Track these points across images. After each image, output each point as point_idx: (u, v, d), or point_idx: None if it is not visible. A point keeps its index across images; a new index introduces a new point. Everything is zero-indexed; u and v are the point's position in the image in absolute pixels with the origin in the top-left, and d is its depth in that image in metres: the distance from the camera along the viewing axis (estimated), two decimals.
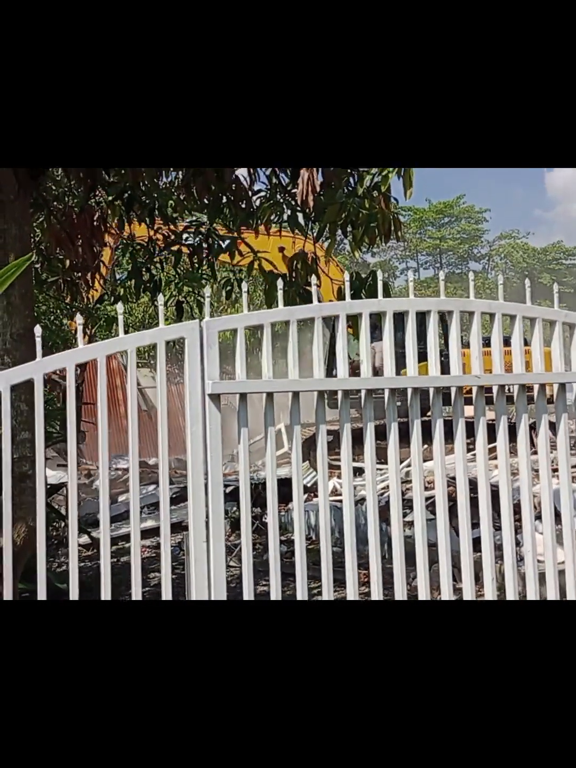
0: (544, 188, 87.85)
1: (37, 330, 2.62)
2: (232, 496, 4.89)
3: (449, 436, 3.16)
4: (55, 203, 6.79)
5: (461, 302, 3.18)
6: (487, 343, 3.24)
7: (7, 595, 2.60)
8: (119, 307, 2.72)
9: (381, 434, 3.07)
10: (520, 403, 3.26)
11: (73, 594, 2.67)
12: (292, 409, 2.97)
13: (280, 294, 3.02)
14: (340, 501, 3.28)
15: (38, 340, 2.58)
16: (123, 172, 6.22)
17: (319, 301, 3.11)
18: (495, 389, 3.23)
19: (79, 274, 6.69)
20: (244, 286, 3.02)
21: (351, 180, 5.70)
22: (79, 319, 2.66)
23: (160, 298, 2.79)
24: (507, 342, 3.20)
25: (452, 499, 3.25)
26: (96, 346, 2.70)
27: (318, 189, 4.71)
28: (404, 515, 3.25)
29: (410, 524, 3.53)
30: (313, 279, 3.24)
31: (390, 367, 3.12)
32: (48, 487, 4.86)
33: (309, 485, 8.59)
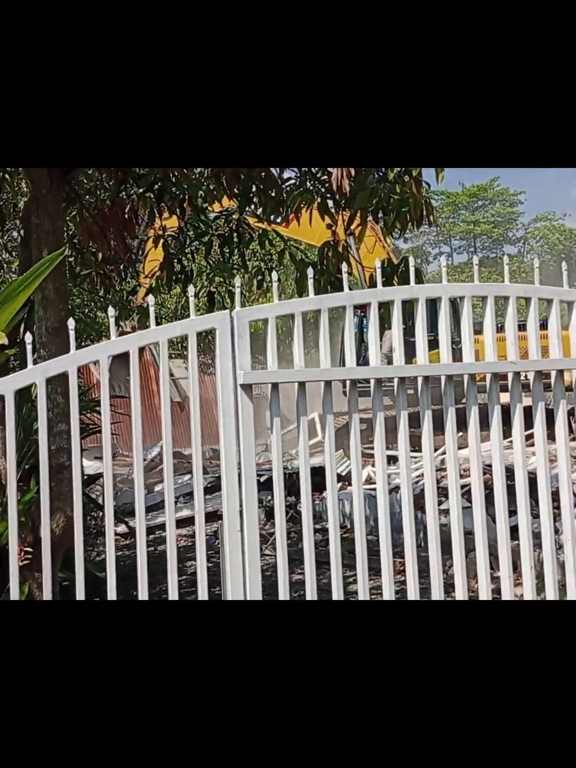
0: None
1: (71, 323, 2.65)
2: (265, 486, 4.91)
3: (483, 423, 3.12)
4: (86, 197, 6.86)
5: (496, 287, 3.13)
6: (521, 327, 3.18)
7: (47, 585, 2.65)
8: (150, 298, 2.73)
9: (414, 422, 3.04)
10: (557, 389, 3.20)
11: (111, 583, 2.71)
12: (325, 398, 2.96)
13: (311, 283, 2.99)
14: (374, 489, 3.26)
15: (72, 333, 2.60)
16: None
17: (350, 289, 3.08)
18: (532, 375, 3.17)
19: (112, 266, 6.75)
20: (275, 276, 3.01)
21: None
22: (111, 311, 2.68)
23: (191, 289, 2.79)
24: (543, 326, 3.14)
25: (488, 487, 3.21)
26: (128, 337, 2.71)
27: (352, 174, 4.66)
28: (439, 503, 3.21)
29: (445, 512, 3.50)
30: (344, 267, 3.21)
31: (423, 355, 3.08)
32: (85, 477, 4.94)
33: (343, 474, 8.57)
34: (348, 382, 3.00)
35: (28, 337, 2.63)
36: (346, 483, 7.90)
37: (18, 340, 3.99)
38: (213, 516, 6.47)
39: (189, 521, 6.31)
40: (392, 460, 5.64)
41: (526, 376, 3.21)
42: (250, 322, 2.86)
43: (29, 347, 2.62)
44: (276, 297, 2.92)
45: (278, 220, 6.75)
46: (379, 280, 3.08)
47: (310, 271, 3.05)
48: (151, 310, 2.74)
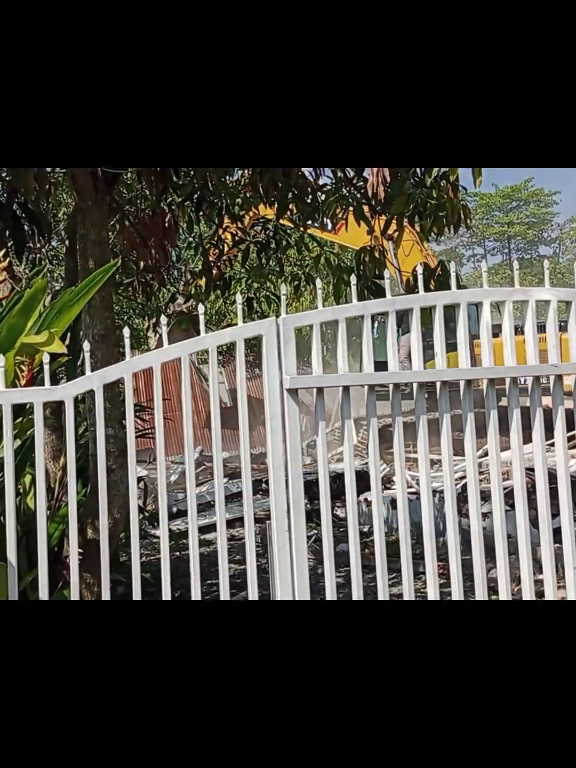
0: None
1: (126, 332, 2.75)
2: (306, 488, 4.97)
3: (525, 426, 3.15)
4: (127, 207, 7.02)
5: (537, 291, 3.16)
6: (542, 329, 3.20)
7: (105, 583, 2.75)
8: (201, 307, 2.83)
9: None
10: None
11: (166, 584, 2.81)
12: (368, 401, 3.03)
13: (353, 289, 3.07)
14: (413, 493, 3.28)
15: (127, 342, 2.71)
16: (192, 173, 6.38)
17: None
18: (573, 379, 3.20)
19: (152, 274, 6.90)
20: (319, 283, 3.08)
21: (418, 170, 5.69)
22: (164, 319, 2.78)
23: (239, 297, 2.88)
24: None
25: (530, 490, 3.23)
26: (179, 345, 2.81)
27: (388, 180, 4.72)
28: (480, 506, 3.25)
29: (486, 515, 3.53)
30: (386, 273, 3.27)
31: (465, 359, 3.13)
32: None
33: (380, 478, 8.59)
34: (391, 386, 3.06)
35: (86, 345, 2.74)
36: (385, 486, 7.93)
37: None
38: (234, 522, 6.54)
39: (227, 524, 6.37)
40: (432, 463, 5.66)
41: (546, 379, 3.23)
42: (294, 327, 2.94)
43: (87, 355, 2.73)
44: (320, 303, 3.00)
45: (317, 225, 6.82)
46: (421, 285, 3.13)
47: (353, 278, 3.12)
48: (202, 318, 2.84)
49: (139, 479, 6.86)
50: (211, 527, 6.42)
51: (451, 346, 3.11)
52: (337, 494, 3.87)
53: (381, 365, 3.03)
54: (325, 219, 6.75)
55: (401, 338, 9.07)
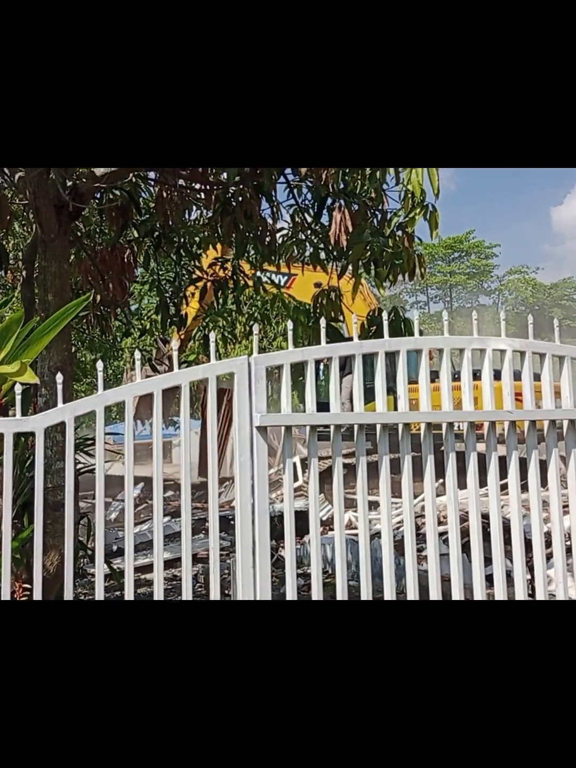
0: (550, 224, 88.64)
1: (99, 365, 2.78)
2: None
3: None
4: (86, 241, 7.04)
5: (494, 341, 3.33)
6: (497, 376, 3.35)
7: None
8: (174, 343, 2.88)
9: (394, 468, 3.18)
10: (549, 438, 3.39)
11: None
12: (334, 441, 3.11)
13: (322, 332, 3.17)
14: (355, 534, 3.32)
15: (100, 375, 2.73)
16: (153, 211, 6.47)
17: (349, 338, 3.24)
18: (526, 424, 3.36)
19: (109, 309, 6.90)
20: (290, 324, 3.17)
21: (374, 221, 5.92)
22: (138, 354, 2.82)
23: (212, 335, 2.94)
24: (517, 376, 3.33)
25: (466, 534, 3.34)
26: (153, 380, 2.85)
27: (350, 229, 4.91)
28: (420, 550, 3.33)
29: (425, 558, 3.61)
30: (352, 317, 3.40)
31: (426, 403, 3.26)
32: (78, 516, 4.98)
33: (324, 518, 8.65)
34: (332, 428, 3.13)
35: (59, 377, 2.74)
36: (328, 527, 8.00)
37: None
38: (195, 558, 6.47)
39: (172, 563, 6.28)
40: (372, 505, 5.74)
41: (460, 427, 3.36)
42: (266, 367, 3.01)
43: (60, 387, 2.74)
44: (291, 344, 3.09)
45: (274, 268, 6.98)
46: (386, 331, 3.25)
47: (322, 322, 3.22)
48: (175, 354, 2.89)
49: (83, 515, 6.73)
50: (149, 567, 6.35)
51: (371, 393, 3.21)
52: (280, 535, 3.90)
53: (323, 406, 3.14)
54: (280, 261, 6.92)
55: (343, 380, 9.27)
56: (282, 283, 8.98)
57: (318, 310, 6.33)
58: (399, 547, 3.46)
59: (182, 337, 7.35)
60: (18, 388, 2.67)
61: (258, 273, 7.47)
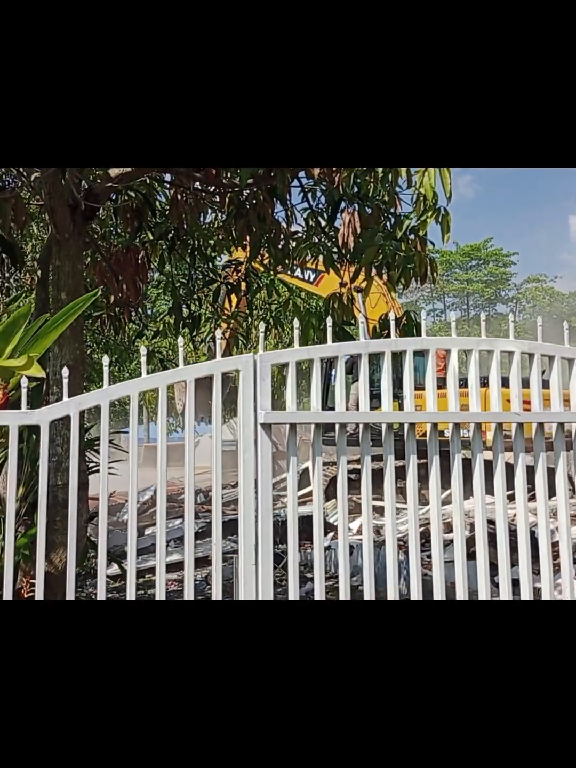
0: (569, 233, 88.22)
1: (105, 360, 2.79)
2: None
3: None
4: (101, 242, 7.10)
5: (502, 342, 3.31)
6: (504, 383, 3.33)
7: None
8: (180, 340, 2.89)
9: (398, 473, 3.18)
10: (557, 442, 3.35)
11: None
12: (339, 440, 3.10)
13: (329, 331, 3.17)
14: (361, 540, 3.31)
15: (106, 370, 2.74)
16: (167, 213, 6.51)
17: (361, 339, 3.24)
18: (534, 427, 3.33)
19: (122, 309, 6.95)
20: (296, 323, 3.17)
21: (388, 224, 5.91)
22: (143, 350, 2.83)
23: (219, 332, 2.95)
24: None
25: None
26: (158, 375, 2.86)
27: (358, 231, 4.91)
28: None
29: (429, 565, 3.57)
30: (360, 317, 3.39)
31: (432, 403, 3.24)
32: (88, 515, 5.00)
33: (333, 523, 8.62)
34: (361, 426, 3.14)
35: (65, 371, 2.76)
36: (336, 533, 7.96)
37: None
38: (202, 562, 6.47)
39: (177, 566, 6.28)
40: (378, 510, 5.70)
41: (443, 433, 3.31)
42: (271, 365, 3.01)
43: (65, 381, 2.76)
44: (297, 343, 3.09)
45: (288, 271, 6.99)
46: (393, 331, 3.25)
47: (329, 321, 3.22)
48: (181, 350, 2.90)
49: (94, 514, 6.75)
50: (169, 567, 6.34)
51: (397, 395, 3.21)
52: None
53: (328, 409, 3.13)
54: (294, 264, 6.93)
55: (352, 386, 9.24)
56: (311, 280, 9.01)
57: (331, 315, 6.33)
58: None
59: (227, 336, 7.37)
60: (24, 382, 2.69)
61: (279, 272, 7.46)
